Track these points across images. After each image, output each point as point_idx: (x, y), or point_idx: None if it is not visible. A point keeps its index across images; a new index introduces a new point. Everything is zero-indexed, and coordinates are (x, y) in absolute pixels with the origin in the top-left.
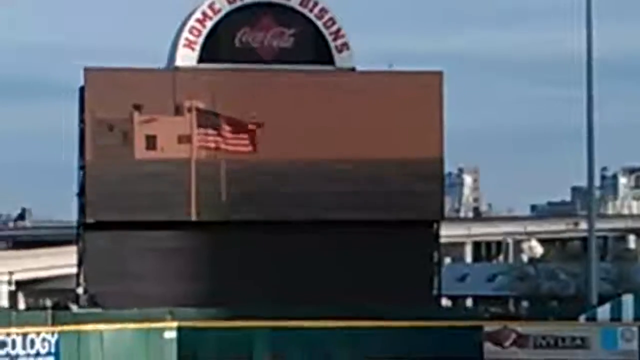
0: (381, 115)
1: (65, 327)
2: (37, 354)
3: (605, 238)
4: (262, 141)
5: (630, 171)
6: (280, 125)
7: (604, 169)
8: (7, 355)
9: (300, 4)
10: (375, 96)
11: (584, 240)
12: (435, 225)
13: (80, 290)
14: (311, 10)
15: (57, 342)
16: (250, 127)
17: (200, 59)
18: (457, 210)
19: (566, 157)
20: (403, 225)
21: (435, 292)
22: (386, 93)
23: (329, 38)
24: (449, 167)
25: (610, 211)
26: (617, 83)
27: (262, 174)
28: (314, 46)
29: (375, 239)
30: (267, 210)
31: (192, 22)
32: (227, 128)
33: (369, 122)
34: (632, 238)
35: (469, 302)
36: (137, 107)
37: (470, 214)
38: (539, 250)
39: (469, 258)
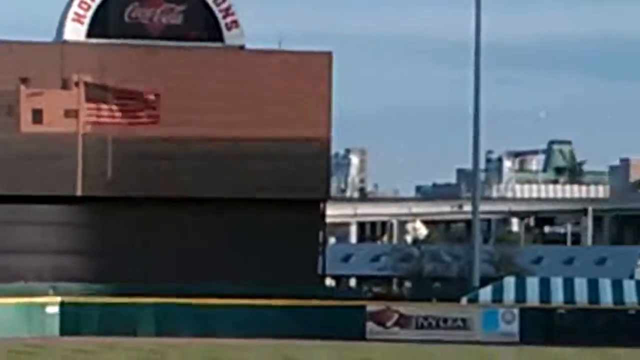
0: (269, 94)
1: None
2: None
3: (488, 221)
4: (152, 117)
5: (515, 155)
6: (168, 102)
7: (489, 152)
8: None
9: None
10: (263, 75)
11: (468, 222)
12: (321, 205)
13: None
14: None
15: None
16: (149, 97)
17: (89, 34)
18: (343, 191)
19: (452, 139)
20: (289, 204)
21: (319, 271)
22: (275, 72)
23: (219, 15)
24: (336, 148)
25: (494, 194)
26: (504, 68)
27: (149, 151)
28: (204, 23)
29: (261, 217)
30: (154, 186)
31: None
32: (118, 102)
33: (257, 101)
34: (515, 221)
35: (352, 282)
36: (24, 80)
37: (356, 195)
38: (423, 231)
39: (353, 238)
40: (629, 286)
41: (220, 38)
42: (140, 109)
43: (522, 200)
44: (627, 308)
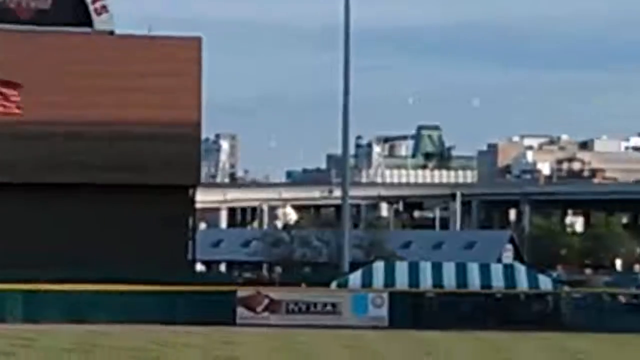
0: (139, 80)
1: None
2: None
3: (358, 206)
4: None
5: (385, 140)
6: (37, 87)
7: (358, 137)
8: None
9: None
10: (133, 60)
11: (338, 207)
12: (190, 191)
13: None
14: None
15: None
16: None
17: None
18: (214, 176)
19: (322, 125)
20: (159, 189)
21: (189, 257)
22: (144, 57)
23: (88, 0)
24: (206, 133)
25: (364, 179)
26: (374, 54)
27: (16, 135)
28: (73, 8)
29: (131, 203)
30: (20, 172)
31: None
32: None
33: (126, 86)
34: (384, 206)
35: (223, 268)
36: None
37: (227, 180)
38: (293, 216)
39: (224, 224)
40: (496, 270)
41: (89, 23)
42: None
43: (392, 185)
44: (494, 292)
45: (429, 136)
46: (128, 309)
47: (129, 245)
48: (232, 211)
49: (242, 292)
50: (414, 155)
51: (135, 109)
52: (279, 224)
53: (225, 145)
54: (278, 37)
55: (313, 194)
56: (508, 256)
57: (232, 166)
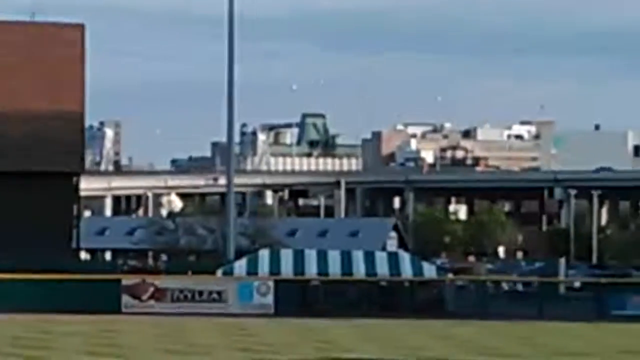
0: (22, 66)
1: None
2: None
3: (243, 194)
4: None
5: (270, 128)
6: None
7: (243, 125)
8: None
9: None
10: (15, 46)
11: (223, 195)
12: (75, 178)
13: None
14: None
15: None
16: None
17: None
18: (98, 164)
19: (207, 113)
20: (42, 177)
21: (74, 245)
22: (27, 43)
23: None
24: (90, 120)
25: (249, 167)
26: (259, 41)
27: None
28: None
29: (14, 190)
30: None
31: None
32: None
33: (8, 73)
34: (269, 194)
35: (108, 256)
36: None
37: (111, 168)
38: (178, 204)
39: (108, 211)
40: (380, 258)
41: None
42: None
43: (277, 173)
44: (379, 280)
45: (314, 124)
46: (11, 297)
47: (11, 232)
48: (116, 199)
49: (127, 280)
50: (298, 143)
51: (18, 96)
52: (164, 212)
53: (109, 132)
54: (163, 24)
55: (198, 181)
56: (392, 244)
57: (117, 154)
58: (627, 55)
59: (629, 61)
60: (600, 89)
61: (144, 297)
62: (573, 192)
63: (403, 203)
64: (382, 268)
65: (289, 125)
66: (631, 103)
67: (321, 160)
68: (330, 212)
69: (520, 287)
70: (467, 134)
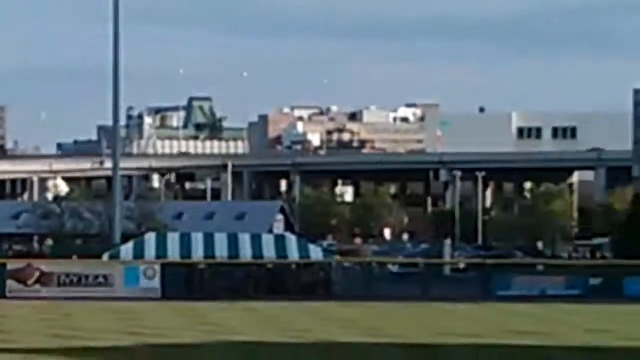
0: None
1: None
2: None
3: (130, 177)
4: None
5: (156, 111)
6: None
7: (130, 108)
8: None
9: None
10: None
11: (109, 179)
12: None
13: None
14: None
15: None
16: None
17: None
18: None
19: (94, 96)
20: None
21: None
22: None
23: None
24: None
25: (135, 151)
26: (145, 25)
27: None
28: None
29: None
30: None
31: None
32: None
33: None
34: (156, 177)
35: None
36: None
37: None
38: (64, 188)
39: None
40: (267, 240)
41: None
42: None
43: (163, 156)
44: (265, 262)
45: (201, 107)
46: None
47: None
48: (1, 183)
49: (12, 265)
50: (185, 127)
51: None
52: (50, 196)
53: None
54: (49, 7)
55: (84, 165)
56: (279, 227)
57: (2, 138)
58: (511, 39)
59: (515, 45)
60: (486, 72)
61: (30, 281)
62: (458, 174)
63: (290, 186)
64: (269, 251)
65: (175, 109)
66: (516, 86)
67: (208, 143)
68: (217, 195)
69: (406, 268)
70: (354, 117)
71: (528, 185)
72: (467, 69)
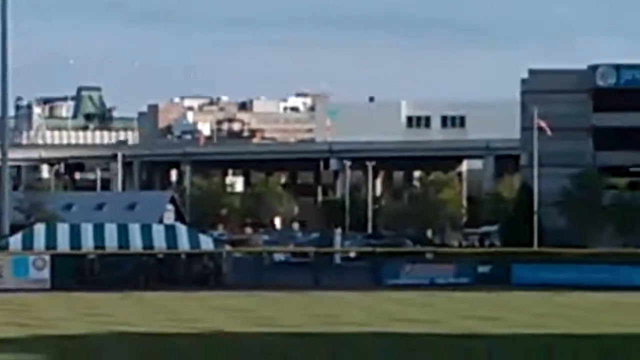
0: None
1: None
2: None
3: (18, 167)
4: None
5: (45, 101)
6: None
7: (18, 98)
8: None
9: None
10: None
11: None
12: None
13: None
14: None
15: None
16: None
17: None
18: None
19: None
20: None
21: None
22: None
23: None
24: None
25: (24, 141)
26: (31, 15)
27: None
28: None
29: None
30: None
31: None
32: None
33: None
34: (45, 168)
35: None
36: None
37: None
38: None
39: None
40: (157, 231)
41: None
42: None
43: (52, 146)
44: (156, 252)
45: (90, 97)
46: None
47: None
48: None
49: None
50: (74, 117)
51: None
52: None
53: None
54: None
55: None
56: (169, 217)
57: None
58: (402, 29)
59: (404, 36)
60: (375, 62)
61: None
62: (347, 163)
63: (180, 176)
64: (159, 241)
65: (64, 99)
66: (405, 75)
67: (97, 133)
68: (107, 185)
69: (296, 258)
70: (244, 107)
71: (417, 174)
72: (358, 59)
